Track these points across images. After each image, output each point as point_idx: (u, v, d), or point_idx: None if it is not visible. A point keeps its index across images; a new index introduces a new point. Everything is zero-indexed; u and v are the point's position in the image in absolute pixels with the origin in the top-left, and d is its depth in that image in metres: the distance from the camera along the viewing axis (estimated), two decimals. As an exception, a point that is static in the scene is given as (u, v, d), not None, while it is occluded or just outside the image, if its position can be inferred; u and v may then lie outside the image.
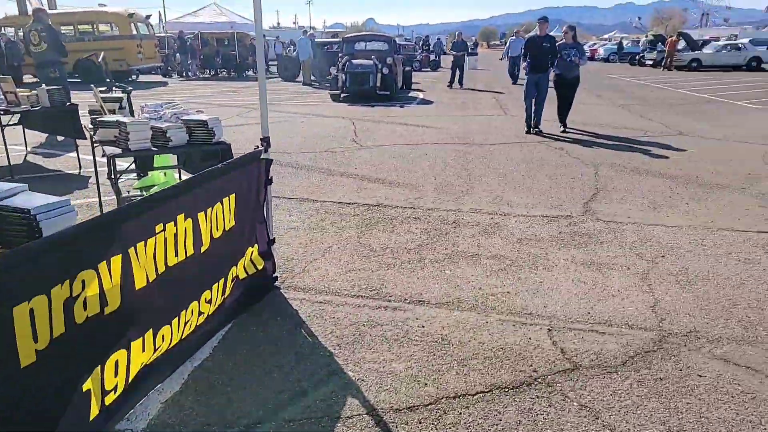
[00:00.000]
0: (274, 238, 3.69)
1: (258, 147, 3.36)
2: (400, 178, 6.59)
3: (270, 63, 29.37)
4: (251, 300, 3.40)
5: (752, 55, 28.45)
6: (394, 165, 7.26)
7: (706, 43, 32.61)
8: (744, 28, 67.58)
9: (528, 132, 9.52)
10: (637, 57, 35.31)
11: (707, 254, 4.17)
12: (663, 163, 7.29)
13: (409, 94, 16.82)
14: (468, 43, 53.59)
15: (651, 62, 30.98)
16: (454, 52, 18.75)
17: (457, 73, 18.75)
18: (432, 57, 32.15)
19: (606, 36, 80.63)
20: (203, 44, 25.19)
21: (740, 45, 29.82)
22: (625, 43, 43.54)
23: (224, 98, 16.09)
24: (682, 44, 30.84)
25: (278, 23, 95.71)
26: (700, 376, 2.64)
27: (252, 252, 3.42)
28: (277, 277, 3.69)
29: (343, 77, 14.73)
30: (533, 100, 9.52)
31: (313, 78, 21.27)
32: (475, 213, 5.24)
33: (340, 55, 16.01)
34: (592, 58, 45.38)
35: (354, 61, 14.91)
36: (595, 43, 54.15)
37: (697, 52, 29.35)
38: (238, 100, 15.54)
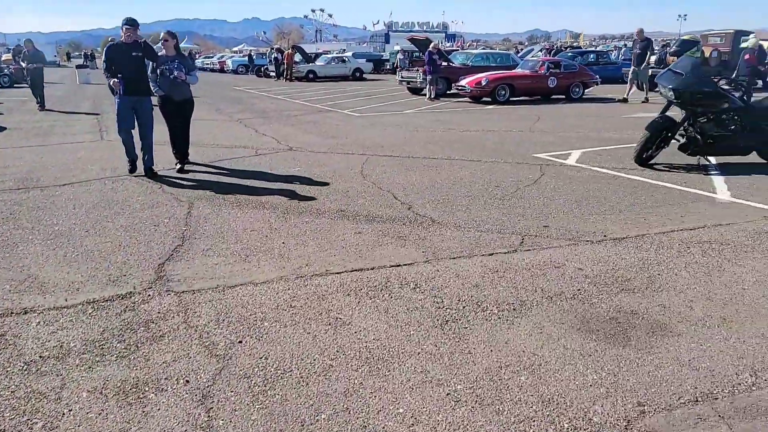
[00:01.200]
0: None
1: None
2: None
3: None
4: None
5: (355, 67, 32.44)
6: None
7: (318, 56, 35.90)
8: (349, 43, 79.01)
9: (132, 171, 7.06)
10: (262, 69, 36.53)
11: (295, 323, 3.27)
12: (268, 189, 6.53)
13: (-26, 120, 12.76)
14: (85, 54, 47.08)
15: (274, 74, 32.27)
16: (25, 65, 15.19)
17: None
18: (28, 70, 26.39)
19: (236, 48, 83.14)
20: None
21: (345, 58, 33.73)
22: (254, 55, 44.75)
23: None
24: (299, 57, 33.14)
25: None
26: None
27: None
28: None
29: None
30: (133, 132, 7.01)
31: None
32: (-29, 321, 3.27)
33: None
34: (222, 70, 45.46)
35: None
36: (223, 55, 54.57)
37: (311, 64, 31.88)
38: None
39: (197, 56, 57.47)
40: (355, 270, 4.07)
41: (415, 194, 6.21)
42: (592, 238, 4.71)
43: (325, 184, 6.71)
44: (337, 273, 4.02)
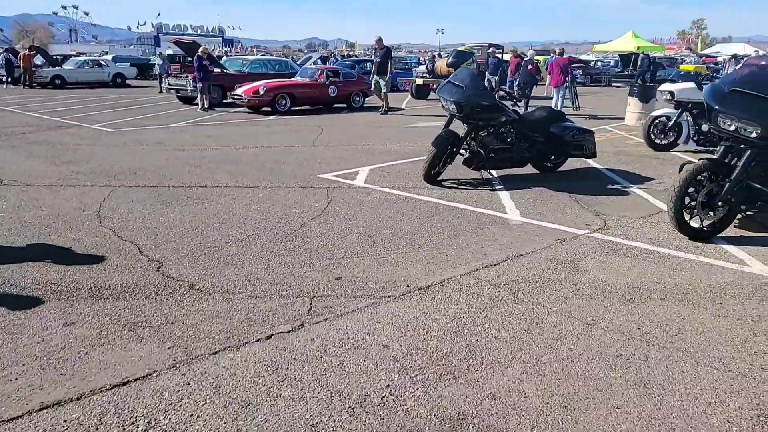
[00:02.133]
0: None
1: None
2: None
3: None
4: None
5: (116, 72, 28.39)
6: None
7: (68, 58, 30.70)
8: (113, 46, 70.79)
9: None
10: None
11: None
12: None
13: None
14: None
15: (6, 79, 26.49)
16: None
17: None
18: None
19: (-40, 47, 68.33)
20: None
21: (102, 62, 29.36)
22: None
23: None
24: (40, 59, 27.85)
25: None
26: None
27: None
28: None
29: None
30: None
31: None
32: None
33: None
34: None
35: None
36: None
37: (58, 68, 26.99)
38: None
39: None
40: (46, 407, 2.51)
41: (169, 244, 4.71)
42: (394, 291, 3.82)
43: (36, 238, 4.80)
44: (13, 419, 2.42)
